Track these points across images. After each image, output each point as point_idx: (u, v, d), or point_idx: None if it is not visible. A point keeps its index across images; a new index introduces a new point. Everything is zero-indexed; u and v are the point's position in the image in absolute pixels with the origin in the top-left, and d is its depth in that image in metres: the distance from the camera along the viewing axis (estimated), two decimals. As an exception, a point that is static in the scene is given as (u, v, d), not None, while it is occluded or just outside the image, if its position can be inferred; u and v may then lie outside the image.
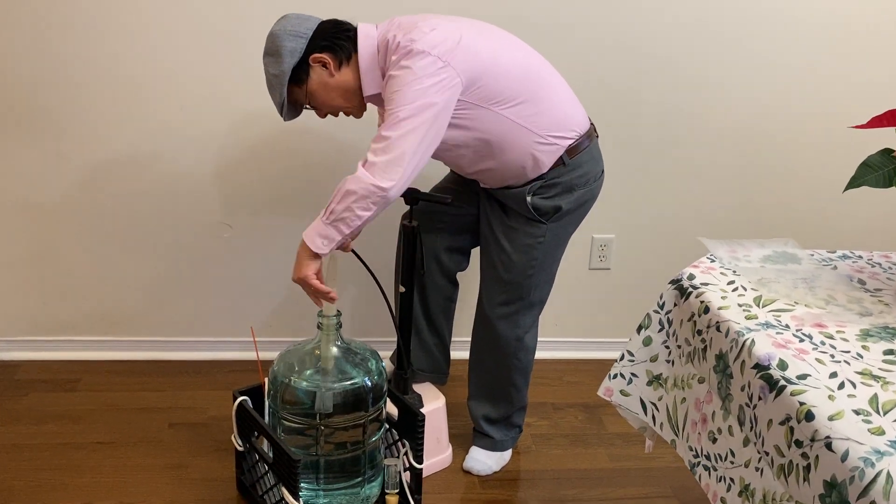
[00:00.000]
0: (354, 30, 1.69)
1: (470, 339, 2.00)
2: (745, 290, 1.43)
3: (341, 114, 1.77)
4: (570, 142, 1.73)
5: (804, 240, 2.48)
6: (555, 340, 2.57)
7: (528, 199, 1.75)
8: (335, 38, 1.67)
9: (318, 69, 1.68)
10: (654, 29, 2.25)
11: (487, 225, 1.86)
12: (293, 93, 1.70)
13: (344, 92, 1.70)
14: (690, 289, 1.46)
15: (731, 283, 1.46)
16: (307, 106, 1.75)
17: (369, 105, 1.77)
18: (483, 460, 2.02)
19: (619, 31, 2.24)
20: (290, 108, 1.73)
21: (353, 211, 1.57)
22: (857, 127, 1.40)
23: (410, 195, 1.78)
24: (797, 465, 1.07)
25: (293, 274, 1.66)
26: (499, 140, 1.68)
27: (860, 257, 1.61)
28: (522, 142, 1.69)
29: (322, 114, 1.77)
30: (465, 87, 1.61)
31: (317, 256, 1.64)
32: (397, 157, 1.55)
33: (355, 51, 1.67)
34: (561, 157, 1.73)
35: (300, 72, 1.67)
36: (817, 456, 1.03)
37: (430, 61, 1.56)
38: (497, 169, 1.74)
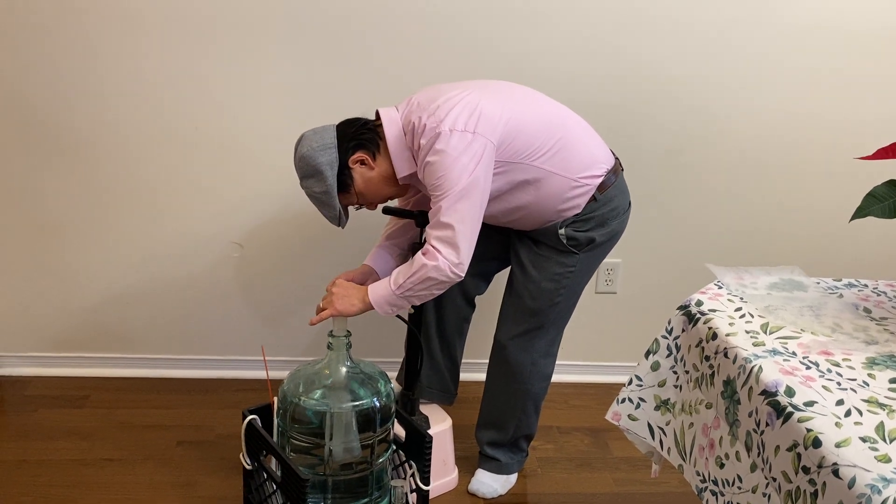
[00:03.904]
0: (371, 121, 1.73)
1: (477, 361, 2.00)
2: (753, 316, 1.44)
3: None
4: (600, 179, 1.77)
5: (810, 268, 2.47)
6: (561, 364, 2.55)
7: (562, 231, 1.78)
8: (359, 135, 1.71)
9: (359, 168, 1.71)
10: (662, 55, 2.28)
11: (515, 254, 1.88)
12: (343, 199, 1.74)
13: (387, 179, 1.74)
14: (698, 315, 1.47)
15: (739, 309, 1.47)
16: (357, 206, 1.79)
17: None
18: (489, 483, 2.03)
19: (626, 57, 2.28)
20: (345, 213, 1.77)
21: (431, 291, 1.68)
22: (863, 158, 1.42)
23: (422, 218, 1.80)
24: (804, 491, 1.08)
25: (339, 305, 1.71)
26: (535, 189, 1.72)
27: (865, 286, 1.62)
28: (558, 188, 1.73)
29: (373, 206, 1.81)
30: (496, 147, 1.65)
31: (370, 308, 1.71)
32: (465, 243, 1.62)
33: (381, 138, 1.71)
34: (593, 195, 1.77)
35: (343, 178, 1.71)
36: (825, 482, 1.04)
37: (459, 137, 1.60)
38: (532, 215, 1.77)
